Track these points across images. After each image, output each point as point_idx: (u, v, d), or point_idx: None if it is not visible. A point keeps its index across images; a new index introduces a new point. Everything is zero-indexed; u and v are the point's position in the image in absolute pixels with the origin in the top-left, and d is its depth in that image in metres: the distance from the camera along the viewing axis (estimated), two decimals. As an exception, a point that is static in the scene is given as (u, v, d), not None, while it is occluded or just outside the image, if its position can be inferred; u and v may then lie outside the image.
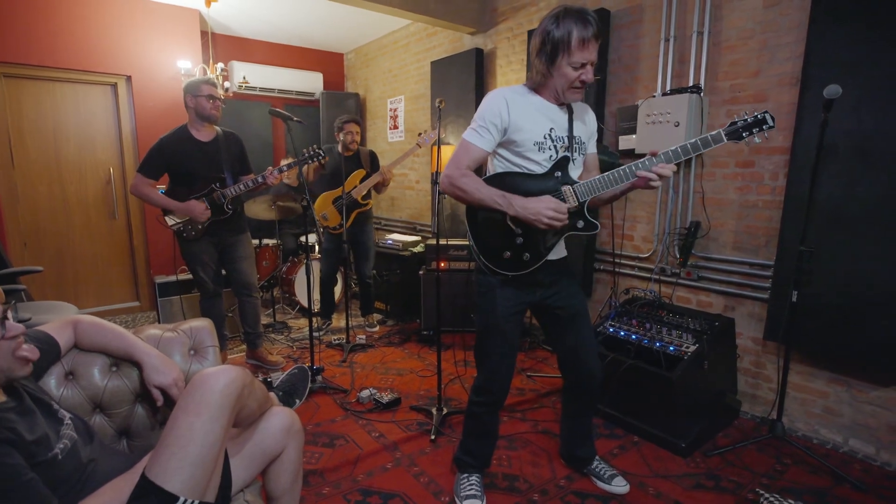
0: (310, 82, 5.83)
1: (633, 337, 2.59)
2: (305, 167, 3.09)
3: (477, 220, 1.80)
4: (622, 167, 1.63)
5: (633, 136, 3.02)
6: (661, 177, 1.56)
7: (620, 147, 3.15)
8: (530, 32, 3.58)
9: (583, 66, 1.60)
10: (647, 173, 1.57)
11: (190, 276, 3.19)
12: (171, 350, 1.45)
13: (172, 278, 3.70)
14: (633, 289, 3.13)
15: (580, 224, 1.72)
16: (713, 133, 1.56)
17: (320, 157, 2.90)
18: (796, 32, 2.42)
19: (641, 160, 1.61)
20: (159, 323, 3.59)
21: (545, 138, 1.70)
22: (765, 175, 2.61)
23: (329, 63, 6.20)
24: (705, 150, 1.56)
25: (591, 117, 1.85)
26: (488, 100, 1.70)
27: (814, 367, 2.49)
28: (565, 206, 1.65)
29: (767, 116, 1.55)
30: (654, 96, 2.90)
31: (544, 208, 1.61)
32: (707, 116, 2.78)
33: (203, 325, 1.56)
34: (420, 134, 3.66)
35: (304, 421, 2.59)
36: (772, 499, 1.85)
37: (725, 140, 1.56)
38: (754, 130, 1.55)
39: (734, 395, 2.72)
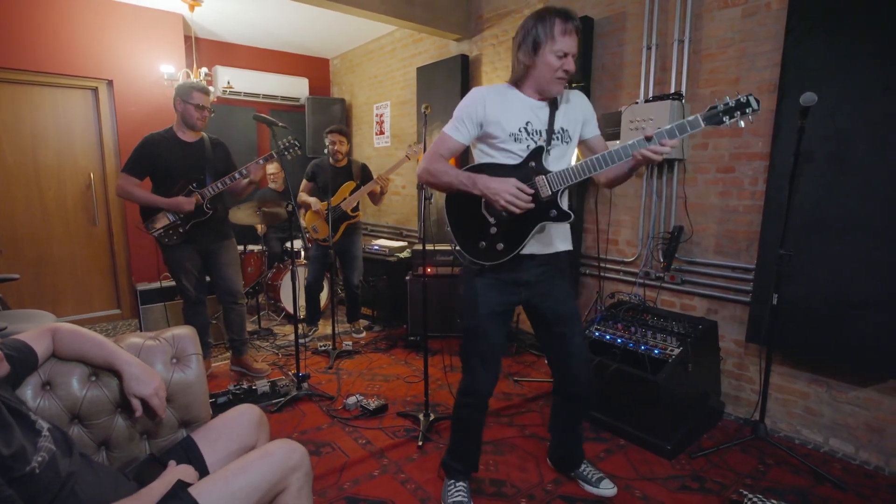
0: (295, 87, 5.81)
1: (619, 340, 2.62)
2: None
3: (454, 210, 1.82)
4: (595, 156, 1.63)
5: (617, 141, 3.05)
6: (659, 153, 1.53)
7: (605, 152, 3.19)
8: (515, 39, 3.62)
9: (565, 55, 1.65)
10: (652, 149, 1.52)
11: (173, 283, 3.14)
12: (153, 359, 1.42)
13: (155, 285, 3.64)
14: (618, 293, 3.16)
15: (553, 213, 1.71)
16: (690, 119, 1.52)
17: (296, 148, 2.88)
18: (773, 41, 2.48)
19: (632, 141, 1.58)
20: (141, 331, 3.53)
21: (520, 130, 1.73)
22: (745, 180, 2.66)
23: (314, 68, 6.18)
24: (682, 136, 1.52)
25: (581, 102, 1.83)
26: (468, 96, 1.77)
27: (795, 369, 2.54)
28: (530, 191, 1.65)
29: (752, 99, 1.47)
30: (636, 103, 2.94)
31: (504, 189, 1.63)
32: (689, 123, 2.82)
33: (186, 332, 1.53)
34: (410, 145, 3.74)
35: (289, 429, 2.56)
36: (755, 499, 1.88)
37: (703, 125, 1.51)
38: (736, 114, 1.49)
39: (718, 397, 2.76)
